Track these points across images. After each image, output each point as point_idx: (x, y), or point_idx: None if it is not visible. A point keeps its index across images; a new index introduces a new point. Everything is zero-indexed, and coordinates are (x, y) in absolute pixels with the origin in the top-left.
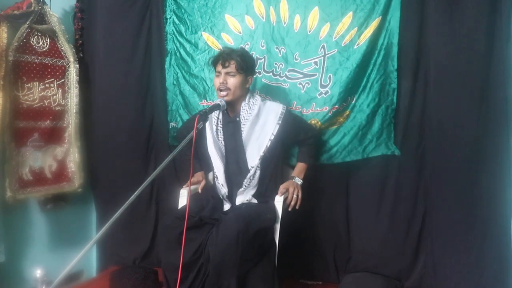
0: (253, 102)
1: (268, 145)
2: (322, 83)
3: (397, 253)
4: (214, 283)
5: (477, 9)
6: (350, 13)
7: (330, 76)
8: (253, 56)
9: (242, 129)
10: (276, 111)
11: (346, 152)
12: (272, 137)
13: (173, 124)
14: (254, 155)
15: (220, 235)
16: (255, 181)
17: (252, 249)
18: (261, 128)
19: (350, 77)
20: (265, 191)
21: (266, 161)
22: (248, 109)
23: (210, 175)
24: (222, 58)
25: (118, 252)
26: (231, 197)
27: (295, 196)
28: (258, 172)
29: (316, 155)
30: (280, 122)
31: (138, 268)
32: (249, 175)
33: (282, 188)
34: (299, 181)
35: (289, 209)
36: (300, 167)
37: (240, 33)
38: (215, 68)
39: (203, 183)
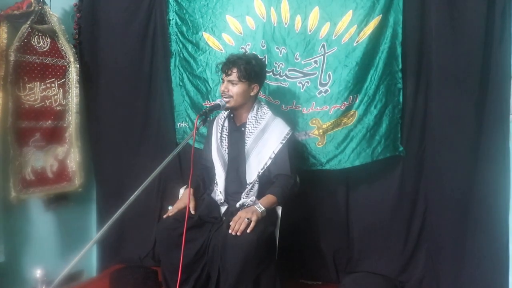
0: (261, 115)
1: (268, 163)
2: (322, 81)
3: (397, 253)
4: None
5: (476, 11)
6: (350, 11)
7: (329, 74)
8: None
9: (246, 140)
10: (281, 130)
11: (354, 155)
12: (273, 155)
13: (181, 124)
14: (252, 170)
15: (238, 241)
16: (254, 192)
17: (266, 251)
18: (264, 144)
19: (350, 75)
20: (265, 193)
21: (264, 177)
22: (255, 122)
23: None
24: (226, 65)
25: (122, 250)
26: (227, 202)
27: (242, 223)
28: (256, 186)
29: (287, 197)
30: (283, 142)
31: (138, 268)
32: (246, 190)
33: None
34: (260, 208)
35: (230, 231)
36: (268, 198)
37: (241, 33)
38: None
39: (193, 204)
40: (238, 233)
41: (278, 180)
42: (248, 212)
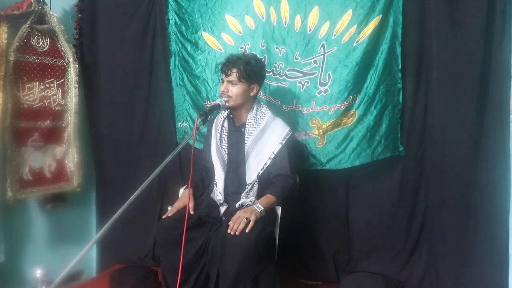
0: (260, 116)
1: (268, 164)
2: (321, 81)
3: (397, 253)
4: (230, 287)
5: (476, 11)
6: (350, 11)
7: (329, 74)
8: None
9: (245, 141)
10: (281, 131)
11: (355, 155)
12: (272, 156)
13: (182, 124)
14: (252, 171)
15: (237, 240)
16: (253, 192)
17: (265, 251)
18: (264, 144)
19: (350, 75)
20: (265, 193)
21: (264, 177)
22: (254, 123)
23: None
24: (225, 66)
25: (122, 250)
26: (227, 202)
27: (241, 223)
28: (256, 186)
29: (287, 197)
30: (283, 142)
31: (138, 268)
32: (246, 190)
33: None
34: (259, 208)
35: (228, 231)
36: (267, 198)
37: (240, 33)
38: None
39: (192, 204)
40: (236, 233)
41: (277, 180)
42: (247, 212)
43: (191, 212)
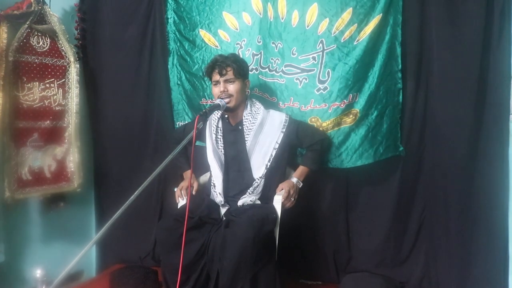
0: (255, 111)
1: (273, 154)
2: (320, 78)
3: (396, 253)
4: (229, 285)
5: (475, 12)
6: (350, 9)
7: (328, 71)
8: (250, 52)
9: (246, 138)
10: (279, 119)
11: (357, 156)
12: (277, 146)
13: (180, 123)
14: (259, 165)
15: (235, 237)
16: (259, 188)
17: (264, 250)
18: (265, 137)
19: (350, 74)
20: (269, 192)
21: (272, 170)
22: (251, 118)
23: (203, 177)
24: (218, 66)
25: (122, 251)
26: (228, 203)
27: (292, 199)
28: (263, 181)
29: (320, 161)
30: (284, 130)
31: (138, 268)
32: (254, 185)
33: (279, 187)
34: (299, 183)
35: (286, 207)
36: (301, 170)
37: (237, 29)
38: (210, 78)
39: (196, 185)
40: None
41: (310, 150)
42: (292, 188)
43: (193, 193)
